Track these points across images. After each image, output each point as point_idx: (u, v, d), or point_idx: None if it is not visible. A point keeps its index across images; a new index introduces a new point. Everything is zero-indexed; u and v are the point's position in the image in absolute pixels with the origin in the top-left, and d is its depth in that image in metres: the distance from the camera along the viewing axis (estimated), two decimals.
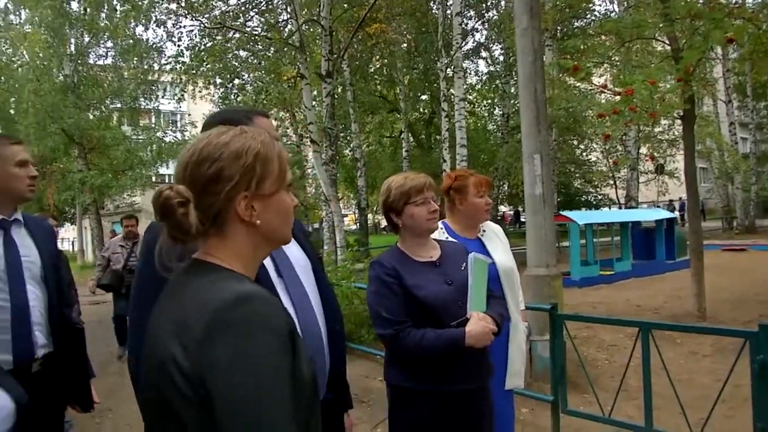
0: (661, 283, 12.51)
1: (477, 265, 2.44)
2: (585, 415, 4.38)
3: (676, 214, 20.18)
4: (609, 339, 7.27)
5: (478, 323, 2.30)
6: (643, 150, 22.78)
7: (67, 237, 39.64)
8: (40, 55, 20.53)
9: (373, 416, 4.92)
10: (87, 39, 21.51)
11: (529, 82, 5.86)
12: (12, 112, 21.73)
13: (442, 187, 3.18)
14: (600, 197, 31.69)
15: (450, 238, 3.00)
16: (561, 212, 15.40)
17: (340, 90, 20.19)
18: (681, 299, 9.79)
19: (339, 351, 1.95)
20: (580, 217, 14.19)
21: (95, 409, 2.98)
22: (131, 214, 8.83)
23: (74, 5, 20.77)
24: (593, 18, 18.11)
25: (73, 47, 21.39)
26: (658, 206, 26.52)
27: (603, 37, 11.21)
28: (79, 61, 21.41)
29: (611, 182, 29.04)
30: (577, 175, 28.30)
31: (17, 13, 22.14)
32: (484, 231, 3.22)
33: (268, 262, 1.79)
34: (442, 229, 3.11)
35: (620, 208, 25.72)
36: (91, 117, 21.27)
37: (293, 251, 1.92)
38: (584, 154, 26.86)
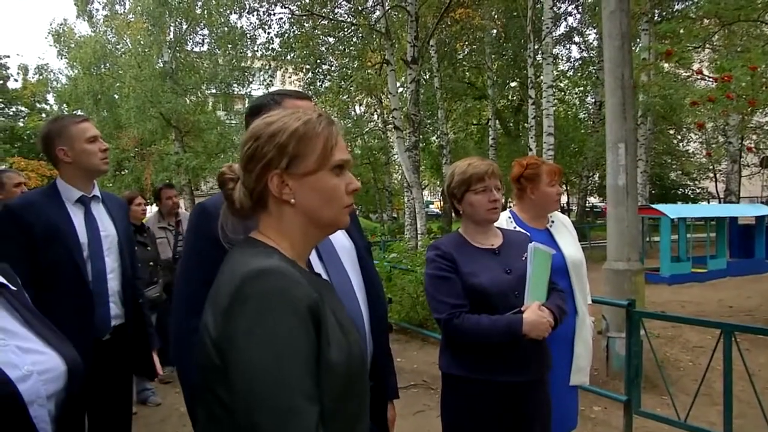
0: (758, 284, 11.72)
1: (537, 255, 2.36)
2: (659, 418, 4.18)
3: None
4: (695, 340, 6.89)
5: (535, 312, 2.24)
6: (748, 142, 21.29)
7: None
8: (142, 42, 21.62)
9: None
10: (185, 27, 22.48)
11: (616, 68, 5.58)
12: (116, 96, 23.02)
13: (513, 175, 3.09)
14: (698, 191, 30.08)
15: (517, 228, 2.92)
16: (652, 205, 14.68)
17: (427, 76, 20.07)
18: None
19: (382, 339, 1.94)
20: (673, 210, 13.47)
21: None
22: (171, 183, 7.05)
23: None
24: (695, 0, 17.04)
25: (171, 35, 22.42)
26: (762, 202, 24.77)
27: (705, 21, 10.53)
28: (177, 48, 22.43)
29: (711, 175, 27.47)
30: (674, 166, 26.93)
31: (122, 3, 23.40)
32: (552, 222, 3.11)
33: None
34: (510, 218, 3.03)
35: (720, 202, 24.26)
36: (188, 102, 22.24)
37: (337, 236, 1.88)
38: (681, 144, 25.44)
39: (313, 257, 1.77)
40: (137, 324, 2.88)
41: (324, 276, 1.76)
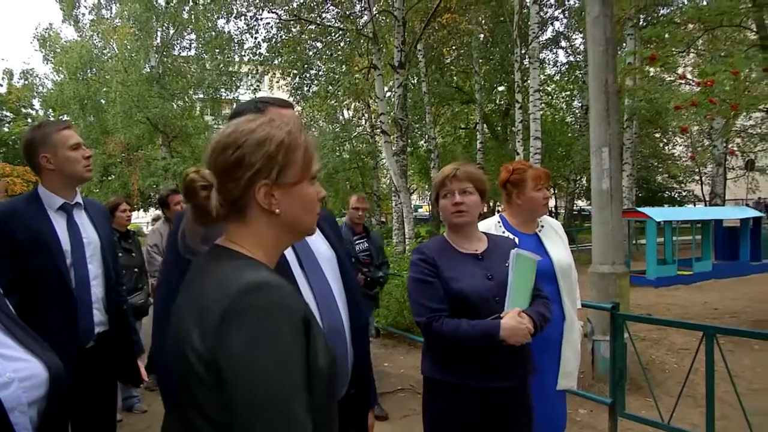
0: (744, 286, 11.85)
1: (520, 261, 2.36)
2: (643, 420, 4.21)
3: None
4: (680, 342, 6.95)
5: (514, 318, 2.24)
6: (733, 145, 21.52)
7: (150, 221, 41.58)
8: (128, 47, 21.51)
9: None
10: (172, 31, 22.43)
11: (600, 73, 5.64)
12: (103, 101, 22.90)
13: (499, 180, 3.11)
14: (684, 193, 30.33)
15: (506, 233, 2.94)
16: (638, 208, 14.80)
17: (415, 80, 20.13)
18: (764, 303, 9.25)
19: (362, 346, 1.94)
20: (658, 213, 13.57)
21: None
22: (177, 189, 6.02)
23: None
24: (680, 5, 17.22)
25: (159, 40, 22.36)
26: (747, 204, 25.03)
27: (690, 26, 10.65)
28: (164, 53, 22.36)
29: (696, 178, 27.71)
30: (660, 169, 27.15)
31: (108, 7, 23.30)
32: (542, 226, 3.13)
33: (290, 255, 1.78)
34: (499, 222, 3.04)
35: (705, 205, 24.47)
36: (175, 107, 22.14)
37: (318, 244, 1.90)
38: (667, 147, 25.66)
39: (295, 266, 1.77)
40: (121, 331, 2.86)
41: (305, 285, 1.77)
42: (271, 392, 1.04)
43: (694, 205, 29.20)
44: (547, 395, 2.84)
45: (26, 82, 26.31)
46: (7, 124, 30.86)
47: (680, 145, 26.11)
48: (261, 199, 1.22)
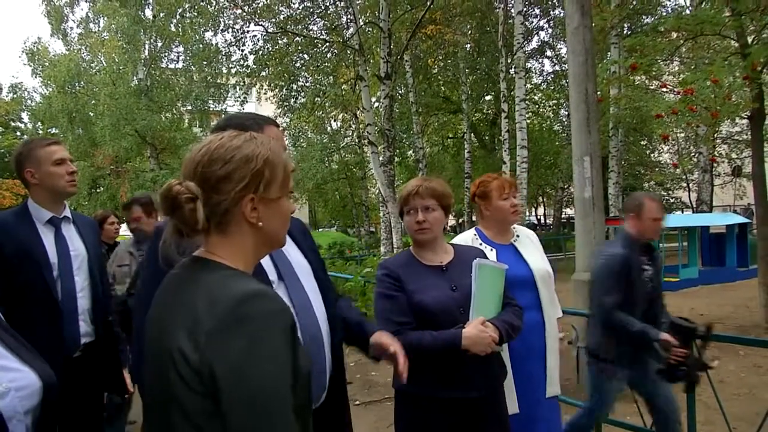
0: (730, 292, 11.92)
1: (483, 271, 2.38)
2: (626, 425, 4.25)
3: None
4: None
5: (476, 327, 2.26)
6: (720, 151, 21.70)
7: None
8: (116, 60, 21.54)
9: None
10: (159, 44, 22.45)
11: (580, 82, 5.72)
12: (91, 114, 22.85)
13: (470, 194, 3.18)
14: (672, 201, 30.56)
15: (484, 245, 2.97)
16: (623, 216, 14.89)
17: (402, 91, 20.25)
18: (750, 309, 9.30)
19: (339, 356, 1.96)
20: None
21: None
22: (133, 201, 4.66)
23: (148, 12, 21.76)
24: (663, 14, 17.45)
25: (146, 52, 22.36)
26: (735, 211, 25.25)
27: (673, 34, 10.79)
28: (152, 66, 22.37)
29: (684, 185, 27.93)
30: (646, 177, 27.37)
31: (96, 21, 23.30)
32: (517, 236, 3.16)
33: (268, 265, 1.81)
34: (475, 235, 3.08)
35: (693, 212, 24.67)
36: (163, 119, 22.12)
37: (293, 254, 1.93)
38: (653, 155, 25.85)
39: (272, 274, 1.81)
40: (108, 341, 2.90)
41: (283, 293, 1.80)
42: (270, 399, 1.08)
43: (682, 212, 29.42)
44: (537, 403, 2.85)
45: (15, 96, 26.19)
46: None
47: (666, 153, 26.32)
48: (247, 213, 1.26)
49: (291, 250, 1.93)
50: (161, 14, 21.51)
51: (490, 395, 2.39)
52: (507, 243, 3.08)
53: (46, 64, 22.75)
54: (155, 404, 1.24)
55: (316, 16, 15.68)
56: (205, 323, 1.12)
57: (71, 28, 23.42)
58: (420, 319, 2.33)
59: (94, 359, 2.80)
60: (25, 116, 29.43)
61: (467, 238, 3.06)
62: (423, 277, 2.41)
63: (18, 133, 30.12)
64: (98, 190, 24.49)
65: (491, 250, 2.92)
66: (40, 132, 24.43)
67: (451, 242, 2.67)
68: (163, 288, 1.31)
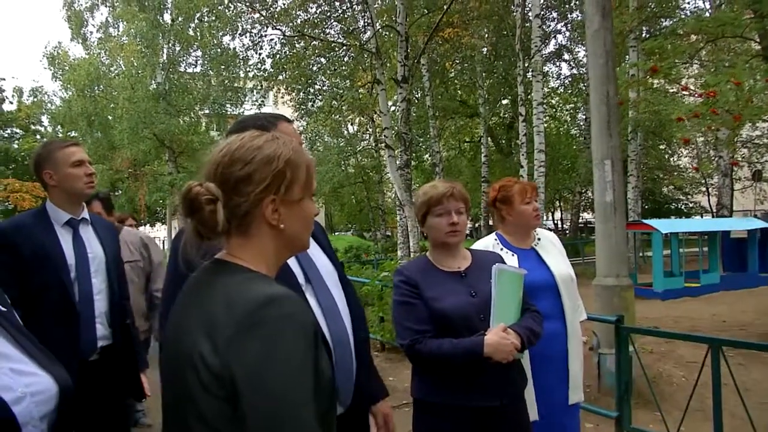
0: (752, 298, 11.73)
1: (503, 276, 2.32)
2: None
3: None
4: (689, 355, 6.85)
5: (498, 334, 2.21)
6: (741, 155, 21.42)
7: (158, 236, 41.79)
8: (135, 64, 21.79)
9: None
10: (178, 48, 22.67)
11: (601, 85, 5.64)
12: (110, 118, 23.12)
13: (489, 199, 3.12)
14: (691, 205, 30.24)
15: (505, 250, 2.92)
16: (643, 220, 14.75)
17: (419, 95, 20.22)
18: None
19: (365, 356, 1.96)
20: (664, 225, 13.53)
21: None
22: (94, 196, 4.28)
23: (167, 17, 21.99)
24: (683, 17, 17.26)
25: (165, 57, 22.60)
26: (756, 215, 24.90)
27: (693, 37, 10.67)
28: (171, 70, 22.58)
29: (703, 189, 27.61)
30: (665, 181, 27.09)
31: (116, 26, 23.60)
32: (538, 239, 3.11)
33: (296, 268, 1.81)
34: (496, 241, 3.03)
35: (713, 216, 24.37)
36: (181, 122, 22.33)
37: (319, 257, 1.93)
38: (672, 159, 25.59)
39: (300, 278, 1.81)
40: (125, 345, 2.88)
41: (311, 296, 1.80)
42: (288, 404, 1.06)
43: (702, 217, 29.10)
44: (557, 411, 2.81)
45: (35, 100, 26.60)
46: (16, 141, 31.19)
47: (686, 157, 26.03)
48: (268, 215, 1.24)
49: (317, 253, 1.94)
50: (179, 18, 21.72)
51: (511, 403, 2.33)
52: (528, 248, 3.04)
53: (66, 68, 23.08)
54: (173, 407, 1.23)
55: (333, 20, 15.72)
56: (223, 327, 1.11)
57: (91, 33, 23.88)
58: (439, 327, 2.28)
59: (112, 362, 2.79)
60: (45, 120, 29.88)
61: (488, 243, 3.02)
62: (441, 284, 2.36)
63: (38, 137, 30.53)
64: (117, 193, 24.78)
65: (512, 255, 2.88)
66: (60, 135, 24.76)
67: (469, 248, 2.62)
68: (183, 291, 1.30)
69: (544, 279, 2.84)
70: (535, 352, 2.65)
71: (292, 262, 1.80)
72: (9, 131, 31.73)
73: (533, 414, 2.61)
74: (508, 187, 3.02)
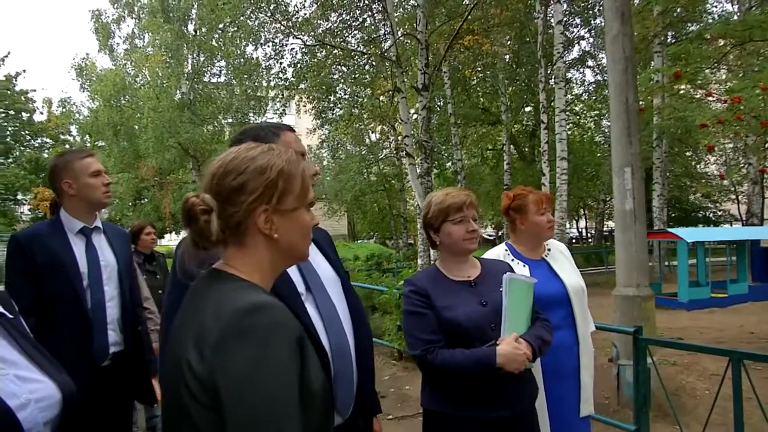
0: None
1: (513, 285, 2.29)
2: None
3: None
4: (713, 367, 6.68)
5: (510, 344, 2.17)
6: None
7: None
8: (160, 74, 22.18)
9: None
10: (202, 59, 22.99)
11: (620, 92, 5.56)
12: (135, 127, 23.52)
13: (501, 207, 3.06)
14: (720, 213, 29.66)
15: (515, 261, 2.88)
16: (668, 229, 14.48)
17: (441, 102, 20.19)
18: None
19: (367, 366, 1.94)
20: (689, 234, 13.26)
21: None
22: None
23: (191, 27, 22.32)
24: (710, 21, 16.97)
25: (189, 67, 22.94)
26: None
27: (720, 41, 10.47)
28: (195, 80, 22.91)
29: (732, 197, 27.09)
30: (692, 189, 26.64)
31: (141, 37, 24.03)
32: (549, 250, 3.05)
33: (296, 277, 1.81)
34: (506, 251, 2.98)
35: (743, 224, 23.87)
36: (205, 131, 22.64)
37: (322, 266, 1.92)
38: (699, 166, 25.14)
39: (300, 287, 1.81)
40: (136, 351, 2.92)
41: (311, 306, 1.80)
42: (270, 414, 1.05)
43: (731, 225, 28.52)
44: (569, 423, 2.75)
45: (64, 110, 27.16)
46: (46, 150, 31.86)
47: (714, 164, 25.58)
48: (261, 224, 1.25)
49: (320, 262, 1.94)
50: (203, 29, 22.01)
51: (523, 414, 2.30)
52: (539, 258, 2.98)
53: (93, 78, 23.56)
54: (168, 415, 1.23)
55: (353, 29, 15.80)
56: (209, 335, 1.11)
57: (117, 44, 24.33)
58: (451, 336, 2.26)
59: (124, 368, 2.83)
60: (73, 129, 30.49)
61: (498, 253, 2.97)
62: (452, 293, 2.33)
63: (67, 146, 31.14)
64: (142, 201, 25.15)
65: (523, 266, 2.83)
66: (88, 145, 25.22)
67: (479, 257, 2.58)
68: (184, 300, 1.32)
69: (556, 290, 2.79)
70: (547, 363, 2.62)
71: (293, 271, 1.80)
72: (39, 141, 32.44)
73: (545, 427, 2.57)
74: (523, 196, 2.96)
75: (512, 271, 2.45)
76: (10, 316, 1.69)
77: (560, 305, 2.78)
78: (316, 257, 1.94)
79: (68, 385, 1.64)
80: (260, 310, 1.13)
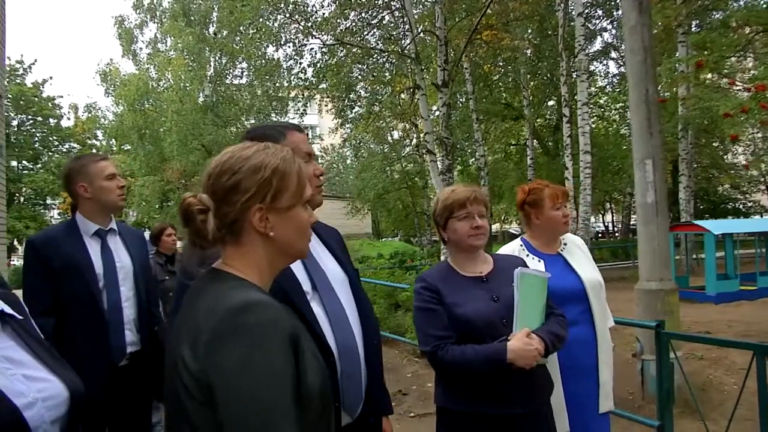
0: None
1: (525, 280, 2.27)
2: None
3: None
4: (741, 361, 6.55)
5: (521, 340, 2.15)
6: None
7: None
8: (183, 78, 22.44)
9: None
10: (224, 61, 23.20)
11: (640, 83, 5.47)
12: (160, 130, 23.82)
13: (516, 202, 3.04)
14: (750, 204, 29.04)
15: (531, 256, 2.85)
16: (694, 221, 14.22)
17: (463, 98, 20.08)
18: None
19: (376, 365, 1.93)
20: (717, 226, 12.98)
21: None
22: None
23: (212, 30, 22.54)
24: (734, 8, 16.60)
25: (212, 70, 23.17)
26: None
27: (747, 29, 10.23)
28: (218, 82, 23.14)
29: (763, 188, 26.51)
30: (720, 180, 26.11)
31: (164, 41, 24.35)
32: (565, 245, 3.02)
33: (302, 276, 1.80)
34: (521, 245, 2.96)
35: None
36: (228, 133, 22.81)
37: (329, 265, 1.92)
38: (727, 157, 24.62)
39: (306, 286, 1.80)
40: (153, 350, 2.95)
41: (318, 305, 1.79)
42: (262, 411, 1.06)
43: (761, 216, 27.92)
44: (588, 420, 2.72)
45: (90, 115, 27.64)
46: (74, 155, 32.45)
47: (741, 154, 25.04)
48: (256, 223, 1.26)
49: (327, 261, 1.93)
50: (224, 32, 22.20)
51: (535, 411, 2.27)
52: (555, 253, 2.95)
53: (118, 83, 23.92)
54: (169, 412, 1.25)
55: (372, 27, 15.78)
56: (203, 333, 1.13)
57: (140, 49, 24.66)
58: (461, 332, 2.24)
59: (142, 367, 2.87)
60: (99, 134, 31.01)
61: (513, 248, 2.95)
62: (463, 289, 2.32)
63: (94, 151, 31.70)
64: (169, 204, 25.46)
65: (539, 261, 2.80)
66: (114, 149, 25.60)
67: (492, 252, 2.57)
68: (183, 300, 1.33)
69: (572, 285, 2.76)
70: (565, 360, 2.59)
71: (299, 270, 1.80)
72: (67, 146, 33.05)
73: (564, 425, 2.55)
74: (539, 191, 2.93)
75: (526, 266, 2.42)
76: (20, 318, 1.71)
77: (577, 300, 2.75)
78: (323, 256, 1.95)
79: (76, 384, 1.65)
80: (253, 308, 1.14)
